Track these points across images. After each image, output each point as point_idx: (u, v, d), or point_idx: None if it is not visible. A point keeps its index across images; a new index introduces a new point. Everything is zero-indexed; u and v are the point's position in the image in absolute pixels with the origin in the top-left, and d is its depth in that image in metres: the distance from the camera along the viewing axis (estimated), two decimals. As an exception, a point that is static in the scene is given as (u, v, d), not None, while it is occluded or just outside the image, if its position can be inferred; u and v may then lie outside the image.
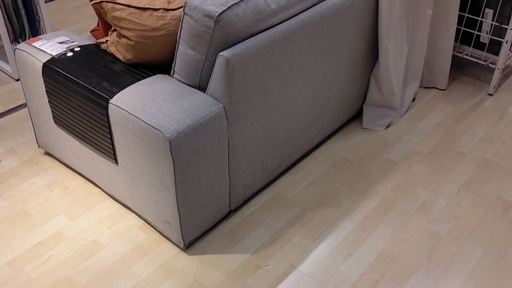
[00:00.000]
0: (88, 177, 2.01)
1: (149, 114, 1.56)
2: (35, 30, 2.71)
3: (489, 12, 2.55)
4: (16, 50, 1.94)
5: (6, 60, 2.81)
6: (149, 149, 1.59)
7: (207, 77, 1.67)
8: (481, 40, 2.65)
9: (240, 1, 1.56)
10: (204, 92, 1.69)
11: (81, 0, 3.68)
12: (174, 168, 1.55)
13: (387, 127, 2.41)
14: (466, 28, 2.67)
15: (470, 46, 2.70)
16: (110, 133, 1.69)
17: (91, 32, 2.10)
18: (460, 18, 2.66)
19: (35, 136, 2.16)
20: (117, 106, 1.61)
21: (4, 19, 2.54)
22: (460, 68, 2.86)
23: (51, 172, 2.11)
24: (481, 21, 2.59)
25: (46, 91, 1.87)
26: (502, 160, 2.21)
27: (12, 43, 2.64)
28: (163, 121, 1.53)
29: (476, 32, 2.63)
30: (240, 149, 1.76)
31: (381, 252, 1.79)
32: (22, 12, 2.60)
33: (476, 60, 2.66)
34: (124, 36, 1.70)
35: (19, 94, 2.61)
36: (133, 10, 1.65)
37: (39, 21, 2.71)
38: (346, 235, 1.85)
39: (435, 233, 1.86)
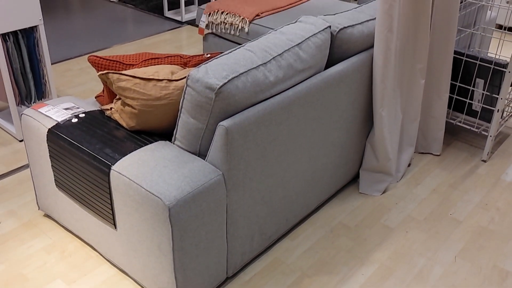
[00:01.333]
0: (86, 240, 2.02)
1: (149, 181, 1.59)
2: (41, 93, 2.79)
3: (480, 82, 2.65)
4: (22, 115, 2.00)
5: (11, 121, 2.87)
6: (148, 215, 1.61)
7: (207, 144, 1.72)
8: (473, 108, 2.73)
9: (240, 74, 1.64)
10: (204, 159, 1.73)
11: (86, 62, 3.81)
12: (172, 235, 1.57)
13: (384, 192, 2.44)
14: (458, 96, 2.76)
15: (463, 113, 2.78)
16: (111, 198, 1.72)
17: (96, 97, 2.18)
18: (453, 86, 2.76)
19: (36, 198, 2.19)
20: (119, 173, 1.65)
21: (11, 83, 2.63)
22: (454, 134, 2.93)
23: (50, 235, 2.12)
24: (473, 90, 2.68)
25: (49, 155, 1.91)
26: (497, 228, 2.23)
27: (18, 105, 2.71)
28: (162, 188, 1.56)
29: (468, 101, 2.72)
30: (238, 215, 1.79)
31: (378, 322, 1.78)
32: (30, 76, 2.69)
33: (469, 127, 2.73)
34: (128, 105, 1.77)
35: (21, 155, 2.66)
36: (137, 80, 1.72)
37: (45, 84, 2.80)
38: (343, 304, 1.84)
39: (433, 302, 1.86)
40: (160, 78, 1.75)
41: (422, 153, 2.76)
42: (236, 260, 1.88)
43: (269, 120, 1.74)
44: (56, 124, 1.89)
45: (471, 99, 2.72)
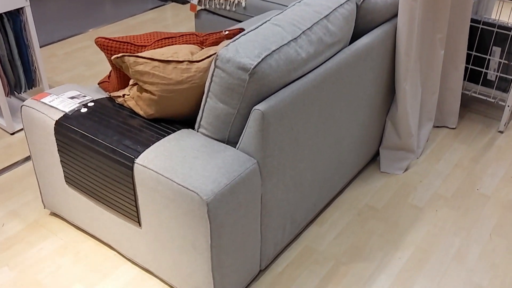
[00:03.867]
0: (102, 239, 1.86)
1: (181, 174, 1.44)
2: (31, 81, 2.58)
3: (497, 50, 2.55)
4: (22, 107, 1.81)
5: (0, 114, 2.66)
6: (181, 211, 1.47)
7: (237, 131, 1.58)
8: (489, 77, 2.64)
9: (272, 51, 1.49)
10: (234, 147, 1.59)
11: (70, 46, 3.57)
12: (210, 232, 1.43)
13: (405, 170, 2.34)
14: (473, 66, 2.66)
15: (477, 84, 2.69)
16: (135, 194, 1.57)
17: (99, 84, 2.00)
18: (468, 56, 2.66)
19: (41, 196, 2.01)
20: (144, 167, 1.50)
21: (-1, 72, 2.42)
22: (467, 106, 2.84)
23: (60, 235, 1.95)
24: (489, 59, 2.58)
25: (58, 150, 1.74)
26: (528, 201, 2.16)
27: (7, 96, 2.50)
28: (197, 181, 1.42)
29: (484, 70, 2.62)
30: (272, 204, 1.66)
31: (424, 308, 1.69)
32: (18, 63, 2.48)
33: (485, 98, 2.64)
34: (147, 91, 1.60)
35: (15, 150, 2.46)
36: (156, 63, 1.56)
37: (35, 72, 2.58)
38: (385, 291, 1.74)
39: (477, 284, 1.77)
40: (180, 59, 1.58)
41: (437, 126, 2.67)
42: (269, 251, 1.76)
43: (302, 100, 1.60)
44: (64, 115, 1.71)
45: (486, 68, 2.62)
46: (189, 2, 4.39)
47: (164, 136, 1.59)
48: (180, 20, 4.08)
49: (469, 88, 2.76)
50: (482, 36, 2.56)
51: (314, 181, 1.87)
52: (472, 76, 2.70)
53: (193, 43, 1.76)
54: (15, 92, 2.54)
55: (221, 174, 1.44)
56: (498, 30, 2.49)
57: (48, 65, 3.30)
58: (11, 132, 2.57)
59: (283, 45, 1.53)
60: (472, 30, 2.58)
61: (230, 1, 3.12)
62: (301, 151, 1.70)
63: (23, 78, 2.52)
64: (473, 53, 2.61)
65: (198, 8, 3.39)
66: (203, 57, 1.61)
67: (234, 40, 1.50)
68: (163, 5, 4.41)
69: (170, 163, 1.48)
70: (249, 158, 1.52)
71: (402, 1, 1.99)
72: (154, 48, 1.71)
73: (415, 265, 1.85)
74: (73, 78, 3.12)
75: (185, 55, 1.61)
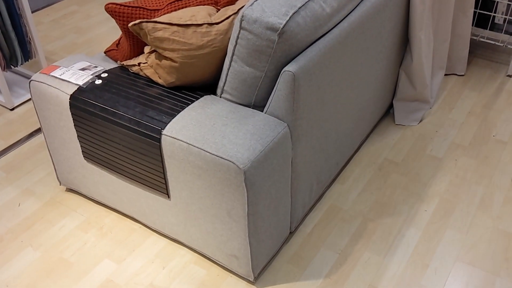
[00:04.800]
0: (125, 212, 1.83)
1: (213, 143, 1.40)
2: (27, 53, 2.46)
3: (505, -8, 2.49)
4: (31, 82, 1.72)
5: (-4, 89, 2.55)
6: (215, 181, 1.43)
7: (263, 94, 1.52)
8: (496, 21, 2.59)
9: (298, 8, 1.42)
10: (261, 111, 1.54)
11: (56, 12, 3.42)
12: (247, 200, 1.40)
13: (420, 121, 2.32)
14: (481, 10, 2.60)
15: (485, 28, 2.64)
16: (163, 166, 1.52)
17: (105, 52, 1.91)
18: (475, 1, 2.59)
19: (56, 172, 1.95)
20: (173, 138, 1.44)
21: (-7, 45, 2.29)
22: (473, 52, 2.80)
23: (80, 211, 1.91)
24: (497, 2, 2.53)
25: (74, 125, 1.67)
26: (545, 145, 2.17)
27: (4, 70, 2.39)
28: (232, 150, 1.37)
29: (492, 14, 2.57)
30: (301, 166, 1.63)
31: (456, 259, 1.70)
32: (12, 34, 2.35)
33: (493, 42, 2.60)
34: (167, 58, 1.52)
35: (18, 126, 2.37)
36: (175, 28, 1.48)
37: (30, 43, 2.46)
38: (416, 245, 1.75)
39: (504, 232, 1.79)
40: (199, 22, 1.50)
41: (446, 74, 2.64)
42: (298, 213, 1.74)
43: (329, 58, 1.54)
44: (78, 89, 1.63)
45: (494, 12, 2.57)
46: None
47: (188, 104, 1.53)
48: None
49: (477, 34, 2.72)
50: (490, -21, 2.50)
51: (337, 140, 1.84)
52: (479, 21, 2.65)
53: (208, 4, 1.68)
54: (11, 65, 2.42)
55: (254, 141, 1.40)
56: (507, -29, 2.42)
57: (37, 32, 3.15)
58: (11, 108, 2.47)
59: (308, 1, 1.46)
60: (480, -27, 2.51)
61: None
62: (327, 110, 1.66)
63: (19, 51, 2.40)
64: (481, -3, 2.56)
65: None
66: (222, 19, 1.54)
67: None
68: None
69: (200, 132, 1.43)
70: (280, 122, 1.48)
71: None
72: (169, 11, 1.62)
73: (441, 216, 1.86)
74: (66, 47, 2.99)
75: (204, 17, 1.53)
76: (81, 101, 1.61)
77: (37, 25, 3.26)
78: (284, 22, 1.37)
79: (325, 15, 1.51)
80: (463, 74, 2.62)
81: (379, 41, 1.88)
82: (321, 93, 1.58)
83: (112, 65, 1.77)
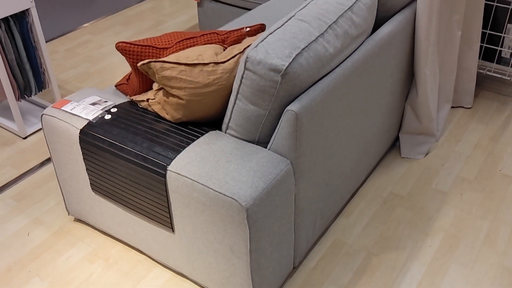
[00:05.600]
0: (131, 244, 1.85)
1: (216, 180, 1.42)
2: (41, 83, 2.53)
3: (511, 27, 2.52)
4: (43, 116, 1.78)
5: (11, 118, 2.62)
6: (218, 217, 1.45)
7: (267, 131, 1.55)
8: (503, 55, 2.62)
9: (302, 50, 1.46)
10: (265, 147, 1.57)
11: (71, 42, 3.51)
12: (249, 237, 1.42)
13: (426, 154, 2.33)
14: (488, 44, 2.63)
15: (492, 62, 2.67)
16: (167, 201, 1.55)
17: (116, 86, 1.96)
18: (482, 35, 2.62)
19: (64, 203, 1.99)
20: (178, 174, 1.48)
21: (8, 76, 2.36)
22: (480, 84, 2.82)
23: (88, 242, 1.94)
24: (503, 37, 2.55)
25: (84, 158, 1.71)
26: (552, 180, 2.16)
27: (18, 100, 2.45)
28: (234, 187, 1.40)
29: (499, 48, 2.60)
30: (304, 202, 1.65)
31: (461, 296, 1.70)
32: (27, 66, 2.42)
33: (500, 75, 2.62)
34: (174, 95, 1.57)
35: (30, 154, 2.42)
36: (183, 67, 1.52)
37: (44, 73, 2.53)
38: (420, 281, 1.75)
39: (509, 269, 1.78)
40: (206, 61, 1.55)
41: (453, 107, 2.65)
42: (301, 248, 1.75)
43: (332, 96, 1.57)
44: (88, 123, 1.68)
45: (501, 46, 2.60)
46: (187, -12, 4.29)
47: (194, 140, 1.56)
48: (179, 8, 4.01)
49: (483, 67, 2.74)
50: (496, 14, 2.53)
51: (342, 174, 1.85)
52: (486, 54, 2.67)
53: (215, 42, 1.72)
54: (25, 95, 2.49)
55: (257, 178, 1.42)
56: (513, 7, 2.45)
57: (51, 62, 3.24)
58: (24, 137, 2.53)
59: (312, 42, 1.50)
60: (487, 8, 2.54)
61: (234, -12, 3.06)
62: (330, 147, 1.68)
63: (33, 81, 2.47)
64: (488, 31, 2.58)
65: (201, -4, 3.32)
66: (228, 58, 1.58)
67: (262, 40, 1.47)
68: (160, -8, 4.33)
69: (204, 169, 1.46)
70: (283, 159, 1.50)
71: (421, -15, 1.95)
72: (177, 50, 1.67)
73: (446, 251, 1.85)
74: (79, 76, 3.07)
75: (210, 56, 1.58)
76: (91, 136, 1.65)
77: (52, 54, 3.35)
78: (287, 64, 1.40)
79: (328, 55, 1.55)
80: (470, 106, 2.64)
81: (383, 77, 1.91)
82: (325, 130, 1.60)
83: (122, 99, 1.82)
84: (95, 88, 1.89)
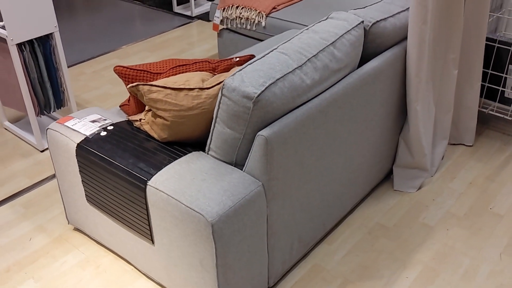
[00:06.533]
0: (120, 254, 1.97)
1: (189, 196, 1.53)
2: (60, 101, 2.73)
3: (513, 68, 2.55)
4: (48, 130, 1.94)
5: (30, 131, 2.82)
6: (189, 231, 1.55)
7: (244, 154, 1.65)
8: (506, 95, 2.64)
9: (276, 80, 1.56)
10: (241, 170, 1.67)
11: (98, 64, 3.74)
12: (216, 251, 1.51)
13: (419, 188, 2.37)
14: (490, 84, 2.66)
15: (494, 101, 2.69)
16: (148, 214, 1.66)
17: (120, 106, 2.11)
18: (484, 74, 2.66)
19: (65, 212, 2.14)
20: (156, 188, 1.59)
21: (30, 93, 2.57)
22: (484, 123, 2.84)
23: (82, 250, 2.07)
24: (505, 77, 2.59)
25: (79, 170, 1.85)
26: (542, 221, 2.16)
27: (37, 115, 2.65)
28: (203, 204, 1.50)
29: (501, 88, 2.63)
30: (278, 225, 1.73)
31: (429, 328, 1.72)
32: (48, 85, 2.63)
33: (502, 115, 2.64)
34: (160, 117, 1.70)
35: (44, 166, 2.60)
36: (169, 91, 1.65)
37: (63, 92, 2.73)
38: (391, 310, 1.78)
39: (483, 305, 1.79)
40: (192, 87, 1.68)
41: (454, 144, 2.68)
42: (277, 269, 1.82)
43: (307, 125, 1.67)
44: (84, 139, 1.83)
45: (504, 86, 2.63)
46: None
47: (176, 159, 1.68)
48: (204, 37, 4.20)
49: (487, 105, 2.77)
50: (498, 55, 2.57)
51: (322, 201, 1.92)
52: (489, 93, 2.70)
53: (206, 70, 1.86)
54: (44, 112, 2.69)
55: (226, 197, 1.52)
56: (514, 48, 2.49)
57: (77, 83, 3.46)
58: (41, 150, 2.72)
59: (288, 73, 1.60)
60: (489, 49, 2.59)
61: (250, 21, 3.22)
62: (307, 173, 1.76)
63: (52, 99, 2.67)
64: (490, 71, 2.62)
65: (220, 27, 3.50)
66: (213, 84, 1.70)
67: (241, 69, 1.59)
68: (190, 22, 4.55)
69: (179, 186, 1.57)
70: (254, 180, 1.60)
71: (412, 25, 2.04)
72: (169, 75, 1.81)
73: (422, 284, 1.88)
74: (100, 97, 3.27)
75: (196, 82, 1.70)
76: (85, 150, 1.80)
77: (80, 75, 3.58)
78: (259, 92, 1.51)
79: (305, 86, 1.65)
80: (471, 144, 2.66)
81: (369, 110, 1.98)
82: (299, 156, 1.69)
83: (122, 118, 1.96)
84: (98, 108, 2.05)
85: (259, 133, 1.54)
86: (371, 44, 1.99)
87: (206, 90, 1.68)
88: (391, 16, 2.02)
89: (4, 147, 2.77)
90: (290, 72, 1.61)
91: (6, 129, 2.91)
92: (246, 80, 1.54)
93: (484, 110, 2.71)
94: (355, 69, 1.91)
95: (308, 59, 1.68)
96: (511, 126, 2.80)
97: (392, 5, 2.11)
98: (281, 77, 1.58)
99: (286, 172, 1.66)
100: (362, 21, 1.90)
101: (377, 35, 1.97)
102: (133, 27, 4.49)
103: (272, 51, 1.68)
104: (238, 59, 1.87)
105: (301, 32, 1.81)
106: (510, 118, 2.63)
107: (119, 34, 4.32)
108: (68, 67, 3.72)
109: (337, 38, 1.79)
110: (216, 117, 1.62)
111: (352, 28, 1.85)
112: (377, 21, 1.95)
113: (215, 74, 1.84)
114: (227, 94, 1.55)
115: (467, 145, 2.67)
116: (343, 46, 1.80)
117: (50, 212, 2.28)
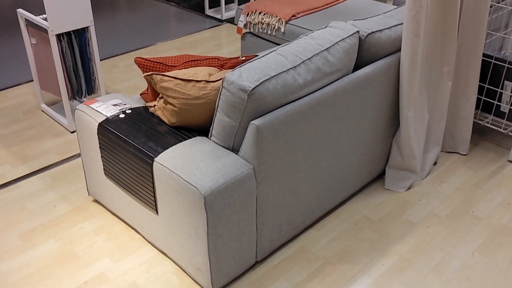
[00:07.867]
0: (131, 224, 2.23)
1: (187, 172, 1.78)
2: (91, 88, 3.03)
3: (508, 84, 2.71)
4: (75, 110, 2.23)
5: (63, 114, 3.13)
6: (186, 203, 1.80)
7: (240, 141, 1.90)
8: (502, 109, 2.80)
9: (271, 77, 1.80)
10: (237, 154, 1.91)
11: (131, 59, 4.05)
12: (207, 221, 1.75)
13: (408, 189, 2.56)
14: (486, 97, 2.83)
15: (491, 114, 2.85)
16: (153, 187, 1.92)
17: (140, 94, 2.38)
18: (481, 87, 2.83)
19: (86, 185, 2.42)
20: (161, 164, 1.85)
21: (64, 79, 2.88)
22: (482, 134, 3.00)
23: (98, 218, 2.34)
24: (501, 92, 2.75)
25: (99, 147, 2.13)
26: (518, 226, 2.32)
27: (70, 100, 2.96)
28: (199, 179, 1.75)
29: (496, 102, 2.79)
30: (267, 205, 1.96)
31: (394, 308, 1.91)
32: (81, 73, 2.93)
33: (496, 128, 2.80)
34: (170, 103, 1.96)
35: (73, 145, 2.90)
36: (178, 81, 1.91)
37: (94, 81, 3.03)
38: (363, 291, 1.99)
39: (448, 293, 1.98)
40: (199, 79, 1.93)
41: (449, 152, 2.85)
42: (265, 246, 2.05)
43: (297, 119, 1.89)
44: (105, 119, 2.10)
45: (499, 100, 2.79)
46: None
47: (181, 141, 1.94)
48: (231, 40, 4.47)
49: (483, 118, 2.93)
50: (495, 70, 2.73)
51: (311, 190, 2.14)
52: (486, 106, 2.87)
53: (214, 66, 2.11)
54: (76, 97, 2.99)
55: (219, 175, 1.77)
56: (509, 66, 2.66)
57: (109, 75, 3.78)
58: (71, 131, 3.03)
59: (282, 72, 1.84)
60: (486, 64, 2.76)
61: (271, 27, 3.46)
62: (297, 162, 1.99)
63: (84, 86, 2.97)
64: (486, 85, 2.79)
65: (244, 31, 3.75)
66: (218, 78, 1.95)
67: (241, 66, 1.83)
68: (219, 25, 4.83)
69: (181, 163, 1.82)
70: (246, 163, 1.84)
71: (405, 37, 2.24)
72: (181, 69, 2.07)
73: (395, 271, 2.08)
74: (129, 88, 3.57)
75: (204, 76, 1.96)
76: (105, 129, 2.07)
77: (112, 67, 3.90)
78: (254, 86, 1.75)
79: (297, 85, 1.88)
80: (465, 153, 2.83)
81: (361, 112, 2.20)
82: (290, 147, 1.92)
83: (140, 104, 2.23)
84: (121, 94, 2.33)
85: (252, 122, 1.78)
86: (367, 53, 2.20)
87: (211, 83, 1.93)
88: (387, 28, 2.23)
89: (40, 126, 3.09)
90: (284, 71, 1.84)
91: (43, 111, 3.24)
92: (244, 75, 1.78)
93: (480, 122, 2.87)
94: (349, 74, 2.13)
95: (303, 61, 1.91)
96: (507, 139, 2.95)
97: (391, 18, 2.32)
98: (276, 75, 1.82)
99: (275, 159, 1.89)
100: (358, 31, 2.11)
101: (372, 44, 2.18)
102: (167, 26, 4.80)
103: (271, 52, 1.92)
104: (244, 58, 2.11)
105: (300, 38, 2.04)
106: (503, 131, 2.79)
107: (152, 32, 4.63)
108: (103, 60, 4.05)
109: (332, 45, 2.02)
110: (217, 106, 1.87)
111: (347, 36, 2.07)
112: (373, 32, 2.16)
113: (222, 70, 2.09)
114: (226, 86, 1.79)
115: (461, 154, 2.84)
116: (337, 52, 2.02)
117: (73, 185, 2.57)
